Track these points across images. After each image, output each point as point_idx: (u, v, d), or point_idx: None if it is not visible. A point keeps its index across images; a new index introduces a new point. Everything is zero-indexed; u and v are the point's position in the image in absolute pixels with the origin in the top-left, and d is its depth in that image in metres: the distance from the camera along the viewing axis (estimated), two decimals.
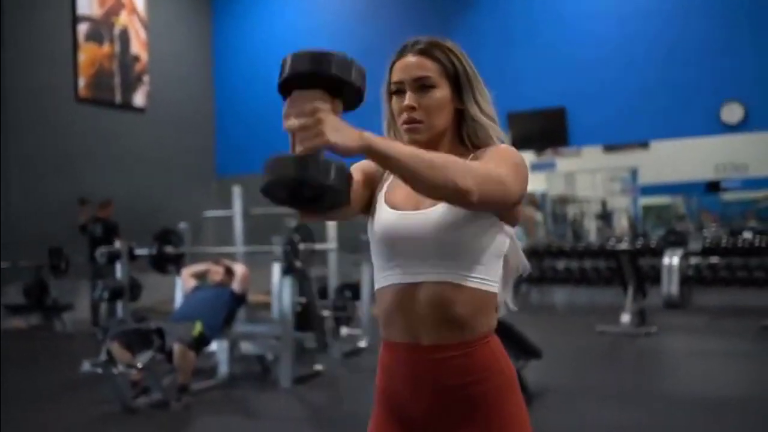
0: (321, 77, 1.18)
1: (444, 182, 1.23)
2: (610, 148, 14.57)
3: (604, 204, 14.94)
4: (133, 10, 10.98)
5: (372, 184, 1.54)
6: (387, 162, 1.21)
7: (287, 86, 1.21)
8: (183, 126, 11.66)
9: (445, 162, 1.25)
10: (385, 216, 1.47)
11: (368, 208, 1.52)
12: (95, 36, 10.42)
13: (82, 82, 10.21)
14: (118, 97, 10.73)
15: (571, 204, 14.65)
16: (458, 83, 1.47)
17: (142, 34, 11.11)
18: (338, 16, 11.26)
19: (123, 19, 10.82)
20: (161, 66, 11.34)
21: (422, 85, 1.45)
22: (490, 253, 1.43)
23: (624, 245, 8.52)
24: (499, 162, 1.38)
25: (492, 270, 1.44)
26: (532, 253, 9.99)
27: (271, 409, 4.91)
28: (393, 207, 1.47)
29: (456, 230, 1.39)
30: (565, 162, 15.09)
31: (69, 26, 10.11)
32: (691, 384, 5.23)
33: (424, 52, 1.47)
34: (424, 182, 1.23)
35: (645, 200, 16.51)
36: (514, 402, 1.46)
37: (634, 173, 15.03)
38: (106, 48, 10.57)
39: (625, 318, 7.07)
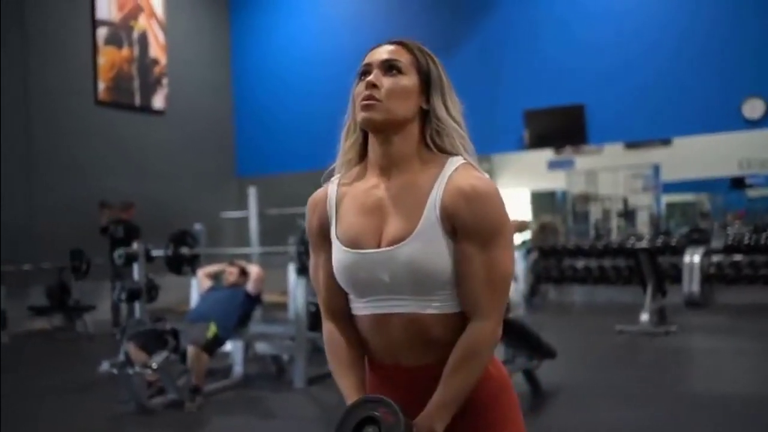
0: None
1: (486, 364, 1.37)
2: (631, 145, 14.45)
3: (625, 202, 14.81)
4: (152, 14, 11.07)
5: (326, 228, 1.45)
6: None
7: None
8: (202, 128, 11.73)
9: (480, 366, 1.35)
10: (342, 257, 1.39)
11: None
12: (114, 40, 10.52)
13: (101, 85, 10.31)
14: (137, 100, 10.83)
15: (592, 202, 14.54)
16: (428, 82, 1.40)
17: (161, 37, 11.20)
18: (357, 17, 11.25)
19: (142, 22, 10.91)
20: (180, 68, 11.43)
21: (390, 67, 1.38)
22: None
23: (643, 244, 8.44)
24: (492, 251, 1.32)
25: None
26: (550, 253, 9.92)
27: (286, 409, 4.92)
28: (348, 244, 1.39)
29: (427, 266, 1.32)
30: (585, 160, 14.99)
31: (88, 30, 10.22)
32: (711, 384, 5.15)
33: (401, 44, 1.42)
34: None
35: (668, 197, 16.35)
36: (507, 405, 1.44)
37: (656, 170, 14.88)
38: (125, 51, 10.67)
39: (644, 317, 6.99)
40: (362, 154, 1.46)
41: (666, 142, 14.18)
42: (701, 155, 13.56)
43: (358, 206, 1.41)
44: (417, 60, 1.41)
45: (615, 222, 14.48)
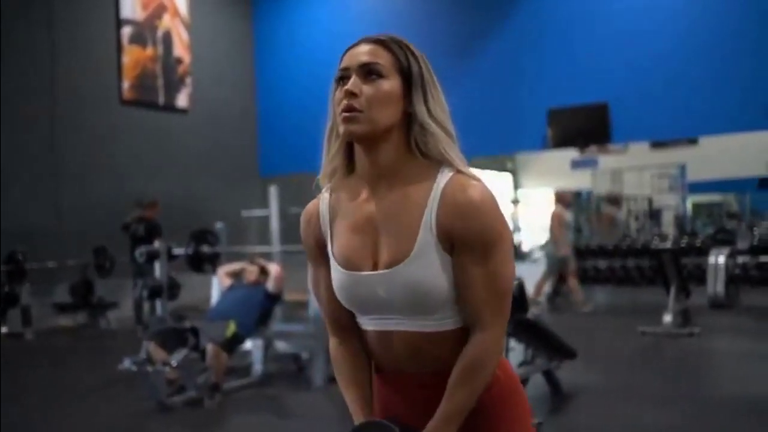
0: None
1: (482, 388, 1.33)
2: (657, 144, 14.30)
3: (650, 202, 14.67)
4: (176, 13, 11.15)
5: (324, 247, 1.42)
6: None
7: None
8: (226, 126, 11.80)
9: (483, 382, 1.32)
10: (339, 278, 1.36)
11: None
12: (139, 39, 10.61)
13: (126, 84, 10.41)
14: (161, 99, 10.91)
15: (617, 202, 14.41)
16: (410, 81, 1.32)
17: (185, 36, 11.28)
18: (379, 14, 11.24)
19: (166, 21, 10.99)
20: (204, 67, 11.50)
21: (369, 72, 1.30)
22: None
23: (667, 244, 8.34)
24: (492, 263, 1.29)
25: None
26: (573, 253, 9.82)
27: (305, 408, 4.93)
28: (345, 266, 1.35)
29: (426, 287, 1.29)
30: (610, 159, 14.86)
31: (113, 30, 10.31)
32: (735, 386, 5.07)
33: (379, 42, 1.33)
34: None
35: (694, 198, 16.15)
36: (516, 407, 1.42)
37: (682, 170, 14.71)
38: (149, 51, 10.75)
39: (668, 318, 6.90)
40: (349, 158, 1.39)
41: (692, 141, 14.01)
42: (728, 155, 13.41)
43: (351, 224, 1.37)
44: (398, 59, 1.32)
45: (634, 222, 14.31)
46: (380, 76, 1.30)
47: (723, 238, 9.39)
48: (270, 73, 12.45)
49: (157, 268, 6.16)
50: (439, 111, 1.33)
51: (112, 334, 8.35)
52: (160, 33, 10.91)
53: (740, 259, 8.68)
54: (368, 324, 1.40)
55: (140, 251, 6.22)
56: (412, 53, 1.34)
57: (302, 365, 5.79)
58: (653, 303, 8.02)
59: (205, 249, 6.02)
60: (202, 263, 6.04)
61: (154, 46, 10.82)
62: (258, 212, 7.59)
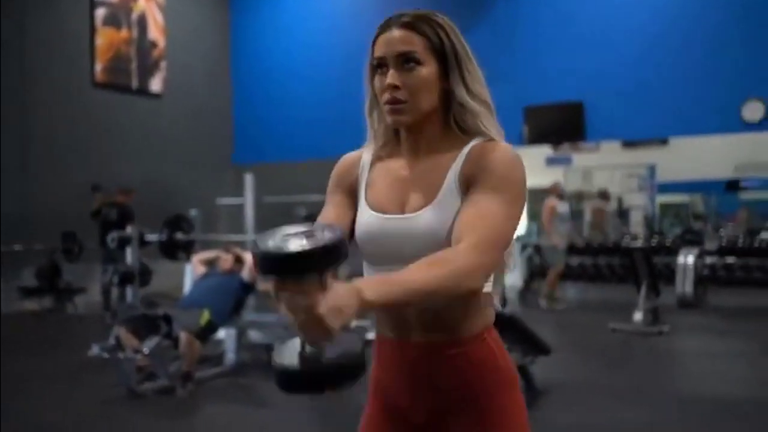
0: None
1: (447, 297, 1.21)
2: (628, 144, 14.43)
3: (620, 201, 14.81)
4: None
5: (353, 190, 1.46)
6: (390, 309, 1.20)
7: (269, 267, 1.07)
8: (200, 113, 11.66)
9: (444, 280, 1.16)
10: (366, 219, 1.40)
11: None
12: (113, 20, 10.43)
13: (98, 66, 10.23)
14: (135, 83, 10.75)
15: (587, 200, 14.52)
16: (446, 60, 1.36)
17: (160, 19, 11.12)
18: (358, 4, 11.17)
19: (141, 4, 10.82)
20: (178, 52, 11.35)
21: (406, 61, 1.33)
22: None
23: (639, 243, 8.44)
24: (493, 199, 1.27)
25: None
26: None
27: (277, 398, 4.88)
28: (375, 208, 1.40)
29: (444, 235, 1.30)
30: (582, 157, 14.97)
31: (87, 10, 10.12)
32: (702, 384, 5.15)
33: (410, 26, 1.35)
34: (428, 303, 1.23)
35: (662, 198, 16.35)
36: (512, 399, 1.42)
37: (652, 170, 14.88)
38: (123, 33, 10.58)
39: (638, 316, 6.98)
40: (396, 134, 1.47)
41: (663, 142, 14.16)
42: (698, 157, 13.56)
43: (387, 181, 1.42)
44: (430, 41, 1.35)
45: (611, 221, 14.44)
46: (417, 63, 1.34)
47: (690, 239, 9.53)
48: (246, 60, 12.33)
49: (129, 254, 6.08)
50: (477, 85, 1.38)
51: (79, 319, 8.23)
52: (134, 15, 10.74)
53: (708, 260, 8.82)
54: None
55: (112, 236, 6.14)
56: (443, 29, 1.37)
57: None
58: (623, 300, 8.11)
59: (180, 236, 5.95)
60: (176, 250, 5.98)
61: (128, 29, 10.65)
62: (233, 200, 7.53)
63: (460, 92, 1.36)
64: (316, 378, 1.14)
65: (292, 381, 1.16)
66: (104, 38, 10.30)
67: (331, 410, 4.62)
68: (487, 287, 1.38)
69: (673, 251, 8.81)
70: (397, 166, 1.43)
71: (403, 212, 1.37)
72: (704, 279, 8.61)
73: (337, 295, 1.05)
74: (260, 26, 12.23)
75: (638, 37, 9.64)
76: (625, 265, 8.75)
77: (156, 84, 11.05)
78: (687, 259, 8.34)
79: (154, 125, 10.94)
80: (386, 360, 1.44)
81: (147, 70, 10.91)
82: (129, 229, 6.18)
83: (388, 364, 1.44)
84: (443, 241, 1.30)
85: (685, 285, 8.21)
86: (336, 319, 1.04)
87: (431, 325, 1.35)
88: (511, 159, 1.32)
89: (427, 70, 1.34)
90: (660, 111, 9.67)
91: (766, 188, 14.35)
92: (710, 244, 9.12)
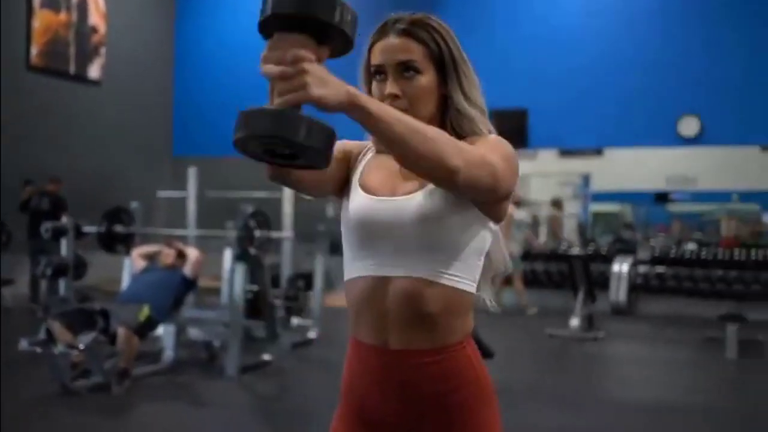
0: (305, 20, 1.04)
1: (431, 154, 1.14)
2: (565, 152, 14.73)
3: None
4: None
5: (348, 165, 1.44)
6: (374, 123, 1.09)
7: (267, 26, 1.07)
8: (140, 102, 11.37)
9: (437, 134, 1.16)
10: (358, 201, 1.36)
11: (342, 190, 1.42)
12: (51, 3, 10.07)
13: (35, 50, 9.86)
14: (72, 68, 10.41)
15: (524, 207, 14.75)
16: (444, 67, 1.35)
17: (101, 4, 10.80)
18: None
19: None
20: (119, 39, 11.04)
21: (406, 69, 1.33)
22: (469, 250, 1.33)
23: (576, 251, 8.62)
24: (489, 151, 1.28)
25: (470, 268, 1.34)
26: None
27: (215, 397, 4.81)
28: (368, 191, 1.36)
29: (435, 222, 1.29)
30: (522, 165, 15.22)
31: None
32: (634, 389, 5.30)
33: (408, 33, 1.34)
34: (410, 151, 1.13)
35: (595, 207, 16.75)
36: (490, 412, 1.42)
37: (586, 179, 15.24)
38: (62, 16, 10.23)
39: (575, 322, 7.13)
40: None
41: (598, 152, 14.51)
42: (632, 168, 13.95)
43: (383, 170, 1.38)
44: (429, 48, 1.34)
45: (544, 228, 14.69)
46: (417, 72, 1.33)
47: (621, 248, 9.77)
48: (190, 51, 12.09)
49: (64, 246, 5.87)
50: (473, 90, 1.38)
51: (6, 312, 7.90)
52: None
53: (641, 269, 9.07)
54: (366, 269, 1.34)
55: (46, 227, 5.91)
56: (440, 35, 1.36)
57: (214, 353, 5.65)
58: (559, 306, 8.27)
59: (119, 228, 5.77)
60: (115, 243, 5.80)
61: (67, 12, 10.30)
62: (174, 194, 7.36)
63: (458, 99, 1.35)
64: (282, 140, 1.03)
65: (257, 142, 1.08)
66: (41, 21, 9.94)
67: (271, 412, 4.56)
68: (472, 288, 1.36)
69: (607, 259, 9.01)
70: (393, 161, 1.39)
71: (394, 196, 1.35)
72: (637, 287, 8.85)
73: (328, 73, 1.03)
74: (206, 18, 12.02)
75: (582, 51, 9.87)
76: (563, 271, 8.91)
77: (95, 71, 10.73)
78: (621, 267, 8.55)
79: (92, 113, 10.62)
80: (361, 364, 1.39)
81: (86, 55, 10.58)
82: (64, 220, 5.96)
83: (362, 369, 1.39)
84: (433, 225, 1.29)
85: (619, 293, 8.43)
86: (317, 86, 1.01)
87: (411, 328, 1.32)
88: (501, 140, 1.34)
89: (426, 78, 1.34)
90: (597, 122, 9.92)
91: (693, 201, 14.87)
92: (643, 254, 9.37)
